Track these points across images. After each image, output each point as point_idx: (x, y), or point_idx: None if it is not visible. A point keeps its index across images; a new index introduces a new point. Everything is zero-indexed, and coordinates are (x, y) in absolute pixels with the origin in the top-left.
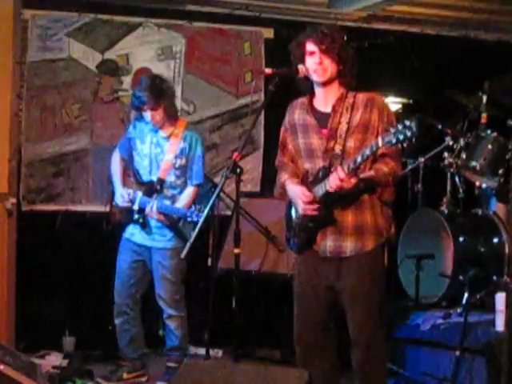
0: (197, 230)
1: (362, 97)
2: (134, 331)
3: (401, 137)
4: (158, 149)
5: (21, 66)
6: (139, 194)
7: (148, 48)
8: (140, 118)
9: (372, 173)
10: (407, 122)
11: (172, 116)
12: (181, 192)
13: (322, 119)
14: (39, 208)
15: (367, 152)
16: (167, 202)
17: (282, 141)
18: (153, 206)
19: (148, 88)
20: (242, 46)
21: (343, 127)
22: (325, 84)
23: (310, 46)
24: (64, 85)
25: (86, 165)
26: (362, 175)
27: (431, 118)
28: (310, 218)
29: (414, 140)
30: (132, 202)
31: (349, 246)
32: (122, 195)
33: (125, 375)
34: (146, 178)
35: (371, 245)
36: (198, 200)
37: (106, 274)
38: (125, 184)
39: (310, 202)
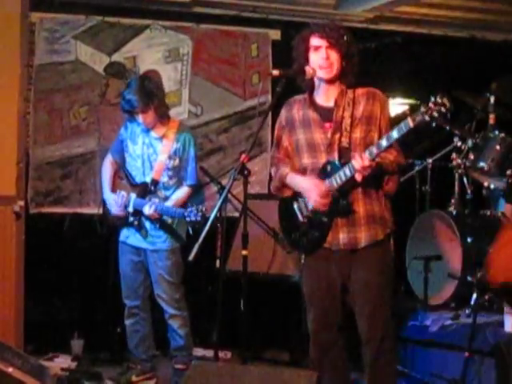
0: (204, 231)
1: (361, 91)
2: (144, 332)
3: (435, 114)
4: (150, 149)
5: (28, 69)
6: (133, 196)
7: (155, 50)
8: (131, 119)
9: (380, 160)
10: (438, 99)
11: (163, 116)
12: (173, 193)
13: (324, 114)
14: (47, 210)
15: (394, 135)
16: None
17: (277, 138)
18: (151, 206)
19: (137, 91)
20: (249, 48)
21: (347, 120)
22: (329, 81)
23: (316, 41)
24: (71, 87)
25: (93, 167)
26: (379, 160)
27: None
28: (324, 213)
29: (448, 116)
30: (126, 205)
31: (363, 236)
32: (115, 200)
33: (133, 378)
34: (139, 179)
35: (381, 234)
36: (192, 201)
37: (114, 276)
38: (117, 187)
39: (326, 195)
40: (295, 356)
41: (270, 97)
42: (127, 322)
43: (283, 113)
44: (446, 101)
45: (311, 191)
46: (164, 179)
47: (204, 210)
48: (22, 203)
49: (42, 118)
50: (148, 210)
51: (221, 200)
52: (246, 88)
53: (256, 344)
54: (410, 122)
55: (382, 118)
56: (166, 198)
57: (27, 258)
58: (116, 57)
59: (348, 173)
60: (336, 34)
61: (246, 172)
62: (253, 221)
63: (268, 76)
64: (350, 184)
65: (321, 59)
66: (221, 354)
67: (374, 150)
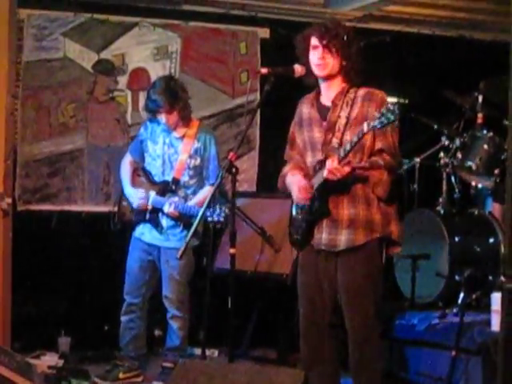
0: (192, 230)
1: (362, 91)
2: (137, 330)
3: (384, 120)
4: (171, 149)
5: (16, 66)
6: (152, 193)
7: (144, 48)
8: (152, 119)
9: (365, 163)
10: (391, 106)
11: (186, 117)
12: (194, 192)
13: (324, 113)
14: (35, 208)
15: (354, 139)
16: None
17: (291, 135)
18: (171, 205)
19: (163, 91)
20: (237, 46)
21: (342, 121)
22: (326, 79)
23: (314, 40)
24: (60, 85)
25: (81, 165)
26: (355, 164)
27: (427, 117)
28: (306, 211)
29: (396, 122)
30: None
31: (342, 239)
32: (135, 195)
33: (121, 375)
34: (158, 178)
35: (362, 239)
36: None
37: (101, 274)
38: (135, 184)
39: (304, 190)
40: (283, 354)
41: (258, 95)
42: (123, 318)
43: (297, 111)
44: (396, 108)
45: (293, 186)
46: (185, 178)
47: (226, 210)
48: (9, 200)
49: (29, 115)
50: (168, 208)
51: (208, 198)
52: (234, 86)
53: (243, 342)
54: (364, 127)
55: None
56: (186, 197)
57: (14, 256)
58: (104, 54)
59: (324, 173)
60: (332, 34)
61: (233, 170)
62: (241, 219)
63: (257, 74)
64: (330, 186)
65: (316, 58)
66: (208, 352)
67: (341, 153)
